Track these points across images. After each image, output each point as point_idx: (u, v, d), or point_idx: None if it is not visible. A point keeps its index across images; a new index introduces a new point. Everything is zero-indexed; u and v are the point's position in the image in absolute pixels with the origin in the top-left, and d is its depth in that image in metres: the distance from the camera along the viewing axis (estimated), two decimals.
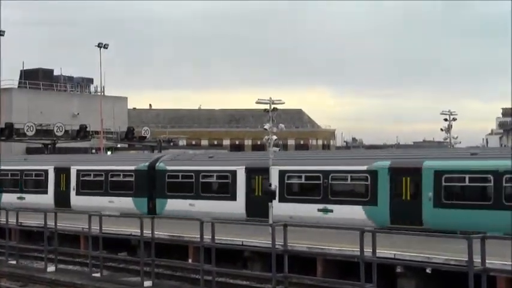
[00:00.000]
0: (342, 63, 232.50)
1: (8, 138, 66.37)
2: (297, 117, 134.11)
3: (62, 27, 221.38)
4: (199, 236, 22.28)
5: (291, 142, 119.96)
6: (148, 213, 34.88)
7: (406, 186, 28.79)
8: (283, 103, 30.86)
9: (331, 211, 30.18)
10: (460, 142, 45.65)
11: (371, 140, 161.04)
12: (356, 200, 30.04)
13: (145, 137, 75.98)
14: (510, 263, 18.28)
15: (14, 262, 28.49)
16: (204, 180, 34.76)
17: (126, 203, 37.35)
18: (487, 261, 17.04)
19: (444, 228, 25.73)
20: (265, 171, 30.90)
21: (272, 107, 30.15)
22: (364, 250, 18.55)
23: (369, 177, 29.70)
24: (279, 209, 29.85)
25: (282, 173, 31.48)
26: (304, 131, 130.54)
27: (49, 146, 67.65)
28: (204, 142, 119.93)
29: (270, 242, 20.82)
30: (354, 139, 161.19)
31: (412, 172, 28.72)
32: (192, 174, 35.04)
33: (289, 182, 32.02)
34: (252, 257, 25.07)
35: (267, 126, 30.07)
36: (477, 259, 16.94)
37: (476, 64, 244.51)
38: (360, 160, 31.22)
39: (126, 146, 77.81)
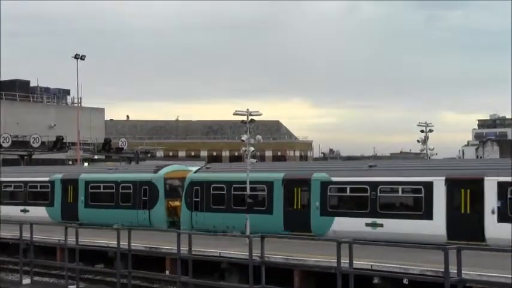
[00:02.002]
0: (320, 74, 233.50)
1: None
2: (274, 128, 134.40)
3: (39, 38, 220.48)
4: (176, 247, 22.21)
5: (268, 153, 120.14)
6: None
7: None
8: (261, 114, 30.97)
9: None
10: (436, 153, 45.92)
11: (349, 151, 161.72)
12: None
13: (123, 148, 75.65)
14: (485, 273, 18.45)
15: None
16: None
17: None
18: (463, 271, 17.14)
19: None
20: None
21: (249, 119, 30.22)
22: (341, 261, 18.59)
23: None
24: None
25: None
26: (281, 142, 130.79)
27: (25, 157, 67.10)
28: (182, 153, 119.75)
29: (247, 254, 20.80)
30: (331, 150, 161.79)
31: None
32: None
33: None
34: (229, 269, 25.02)
35: (244, 137, 30.11)
36: (453, 269, 17.04)
37: (454, 76, 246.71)
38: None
39: (103, 157, 77.42)
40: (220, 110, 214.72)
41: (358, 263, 19.83)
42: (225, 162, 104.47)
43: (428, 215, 27.20)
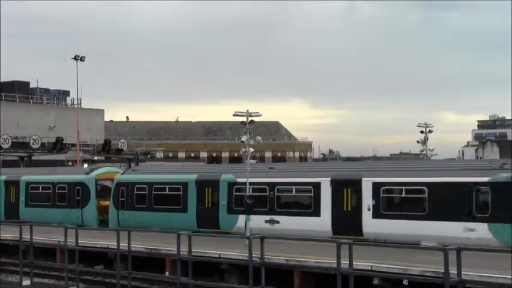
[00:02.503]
0: (320, 75, 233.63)
1: None
2: (274, 129, 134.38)
3: (39, 39, 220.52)
4: (176, 248, 22.21)
5: (268, 154, 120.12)
6: None
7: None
8: (260, 115, 30.93)
9: None
10: (436, 154, 45.86)
11: (348, 152, 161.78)
12: None
13: (122, 149, 75.62)
14: (485, 274, 18.45)
15: None
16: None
17: None
18: (462, 272, 17.14)
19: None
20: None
21: (249, 120, 30.20)
22: (341, 262, 18.60)
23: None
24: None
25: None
26: (281, 143, 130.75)
27: (25, 158, 67.10)
28: (181, 154, 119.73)
29: (247, 255, 20.80)
30: (330, 151, 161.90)
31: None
32: None
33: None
34: (229, 270, 25.03)
35: (244, 138, 30.11)
36: (453, 270, 17.04)
37: (453, 77, 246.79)
38: None
39: (103, 158, 77.42)
40: (220, 111, 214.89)
41: (358, 264, 19.83)
42: (224, 163, 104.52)
43: (316, 212, 29.76)
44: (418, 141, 45.44)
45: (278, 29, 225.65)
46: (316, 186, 29.97)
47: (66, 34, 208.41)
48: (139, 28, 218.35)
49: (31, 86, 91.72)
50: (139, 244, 25.95)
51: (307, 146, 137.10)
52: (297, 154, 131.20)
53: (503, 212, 25.69)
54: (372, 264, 21.30)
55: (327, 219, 29.31)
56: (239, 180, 31.80)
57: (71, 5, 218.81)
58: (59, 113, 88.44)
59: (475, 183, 26.21)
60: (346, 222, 28.72)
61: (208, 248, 25.11)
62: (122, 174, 38.19)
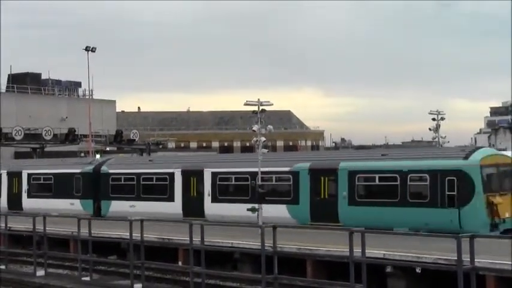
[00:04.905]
0: (332, 63, 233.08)
1: None
2: (286, 118, 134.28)
3: (50, 31, 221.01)
4: (188, 238, 22.26)
5: (279, 143, 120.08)
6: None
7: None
8: (272, 104, 30.88)
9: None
10: (448, 141, 45.67)
11: (360, 140, 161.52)
12: None
13: (134, 140, 75.83)
14: (498, 261, 18.39)
15: (3, 267, 28.38)
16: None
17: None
18: (475, 260, 17.09)
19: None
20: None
21: (260, 109, 30.16)
22: (354, 250, 18.59)
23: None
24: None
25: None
26: (293, 132, 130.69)
27: (38, 150, 67.40)
28: (193, 144, 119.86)
29: (260, 244, 20.82)
30: (342, 139, 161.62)
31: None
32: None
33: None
34: (242, 259, 25.07)
35: (255, 127, 30.08)
36: (466, 258, 16.99)
37: (466, 63, 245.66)
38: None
39: (115, 149, 77.66)
40: (231, 100, 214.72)
41: (371, 252, 19.81)
42: (236, 152, 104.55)
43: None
44: (430, 129, 45.26)
45: (290, 16, 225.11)
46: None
47: (77, 25, 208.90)
48: (151, 18, 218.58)
49: (43, 77, 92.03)
50: (151, 234, 26.02)
51: (319, 134, 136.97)
52: (309, 143, 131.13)
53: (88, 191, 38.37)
54: (385, 252, 21.31)
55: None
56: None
57: None
58: (71, 104, 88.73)
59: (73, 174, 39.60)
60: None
61: (221, 238, 25.18)
62: None
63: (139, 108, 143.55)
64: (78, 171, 40.03)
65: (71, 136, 69.55)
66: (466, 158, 27.31)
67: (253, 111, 30.33)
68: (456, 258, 16.98)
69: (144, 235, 23.67)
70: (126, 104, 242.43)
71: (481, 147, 32.12)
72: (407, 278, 21.22)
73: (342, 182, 29.66)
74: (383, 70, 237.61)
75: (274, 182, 32.32)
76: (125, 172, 37.57)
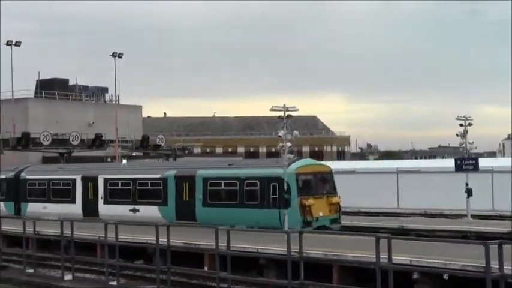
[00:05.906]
0: (357, 70, 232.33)
1: (25, 148, 66.64)
2: (311, 123, 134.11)
3: (78, 37, 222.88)
4: (214, 243, 22.28)
5: (305, 149, 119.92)
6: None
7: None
8: (297, 110, 30.84)
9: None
10: (476, 147, 45.22)
11: (386, 146, 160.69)
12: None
13: (160, 145, 76.05)
14: None
15: (31, 271, 28.66)
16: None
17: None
18: (504, 267, 16.92)
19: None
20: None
21: (286, 114, 30.14)
22: (380, 256, 18.48)
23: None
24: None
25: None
26: (318, 137, 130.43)
27: (65, 155, 67.88)
28: (219, 150, 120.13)
29: (286, 249, 20.78)
30: (368, 145, 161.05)
31: None
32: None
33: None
34: (268, 265, 25.02)
35: (281, 133, 30.06)
36: (495, 265, 16.83)
37: (493, 68, 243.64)
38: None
39: (141, 154, 77.96)
40: (257, 106, 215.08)
41: (397, 259, 19.69)
42: (262, 158, 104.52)
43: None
44: (457, 135, 44.82)
45: (316, 23, 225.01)
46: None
47: (104, 32, 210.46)
48: (178, 25, 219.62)
49: (70, 83, 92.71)
50: (177, 239, 26.09)
51: (345, 140, 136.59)
52: (335, 148, 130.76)
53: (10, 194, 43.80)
54: (412, 258, 21.15)
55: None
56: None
57: (109, 4, 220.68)
58: (98, 109, 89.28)
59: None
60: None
61: (247, 243, 25.16)
62: None
63: (165, 113, 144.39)
64: (2, 177, 44.80)
65: (97, 141, 69.87)
66: (286, 167, 30.53)
67: (279, 117, 30.31)
68: (484, 265, 16.82)
69: (171, 240, 23.74)
70: (153, 109, 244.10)
71: (300, 158, 35.79)
72: (434, 284, 21.03)
73: (198, 187, 34.18)
74: (410, 76, 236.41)
75: (149, 187, 36.71)
76: (39, 178, 42.88)
